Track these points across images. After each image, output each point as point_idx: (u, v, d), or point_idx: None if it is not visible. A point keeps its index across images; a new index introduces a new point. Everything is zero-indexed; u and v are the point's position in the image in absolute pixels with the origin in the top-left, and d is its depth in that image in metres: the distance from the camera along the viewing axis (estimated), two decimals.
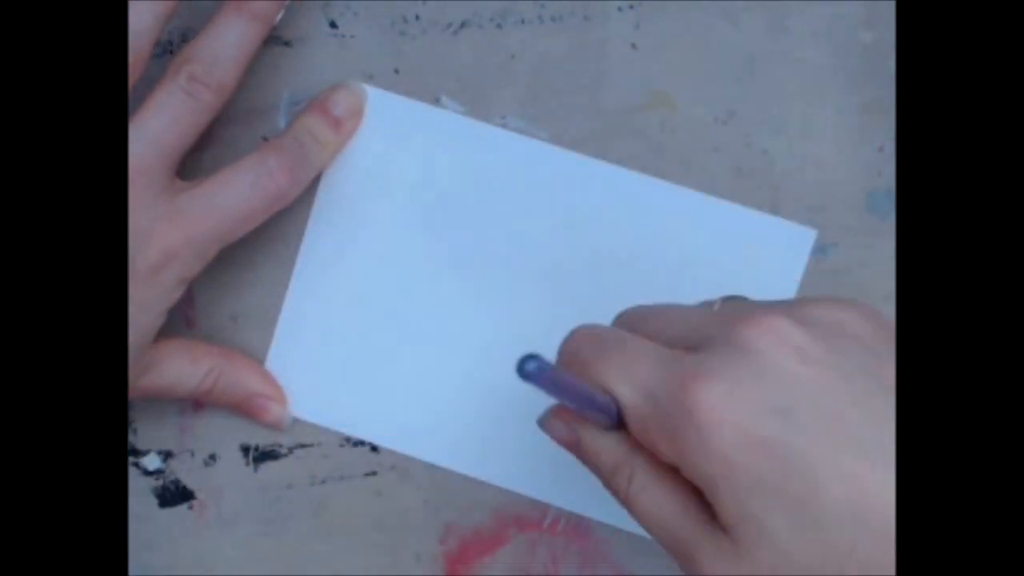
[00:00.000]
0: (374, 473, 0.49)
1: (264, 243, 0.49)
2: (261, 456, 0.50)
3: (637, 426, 0.37)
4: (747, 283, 0.47)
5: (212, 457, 0.50)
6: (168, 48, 0.48)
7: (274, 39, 0.48)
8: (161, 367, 0.47)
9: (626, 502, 0.38)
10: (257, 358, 0.49)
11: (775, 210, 0.47)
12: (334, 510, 0.50)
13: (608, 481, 0.39)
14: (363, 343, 0.49)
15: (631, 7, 0.47)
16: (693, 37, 0.47)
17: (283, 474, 0.50)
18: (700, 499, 0.36)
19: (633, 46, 0.48)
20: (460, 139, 0.48)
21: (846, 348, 0.37)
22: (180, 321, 0.49)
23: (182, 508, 0.50)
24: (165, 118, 0.44)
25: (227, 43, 0.45)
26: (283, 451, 0.50)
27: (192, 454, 0.50)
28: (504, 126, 0.48)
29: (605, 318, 0.41)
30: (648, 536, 0.38)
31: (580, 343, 0.39)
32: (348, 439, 0.49)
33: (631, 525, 0.47)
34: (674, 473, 0.37)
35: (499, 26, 0.48)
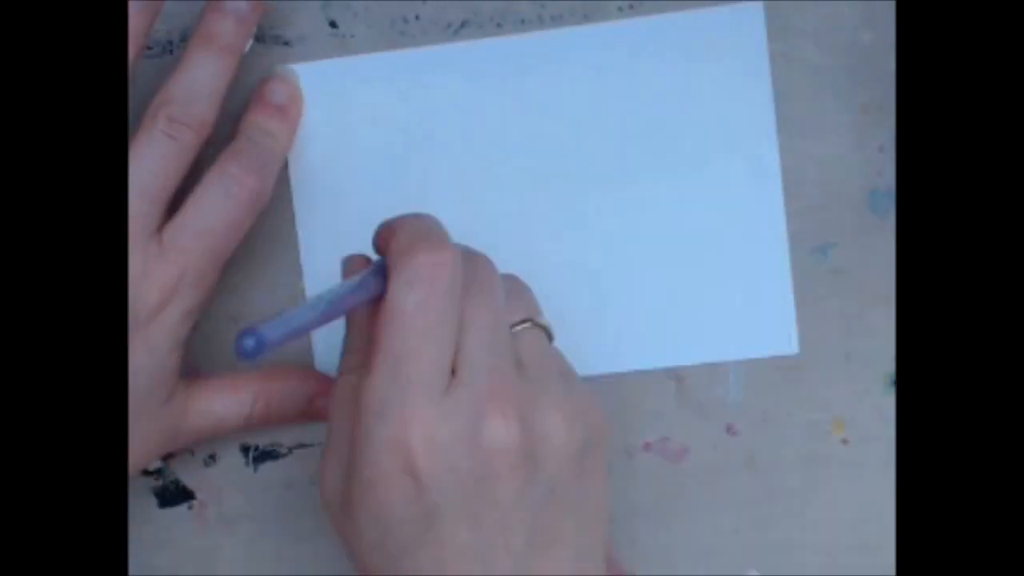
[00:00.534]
0: None
1: (260, 243, 0.48)
2: (261, 456, 0.50)
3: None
4: (721, 80, 0.47)
5: (212, 457, 0.50)
6: (168, 48, 0.48)
7: (274, 39, 0.48)
8: (201, 407, 0.47)
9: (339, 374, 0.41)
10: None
11: None
12: None
13: (344, 345, 0.42)
14: None
15: (631, 7, 0.47)
16: None
17: (283, 474, 0.50)
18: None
19: None
20: (403, 72, 0.48)
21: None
22: None
23: (182, 508, 0.50)
24: (150, 164, 0.44)
25: (200, 80, 0.45)
26: (283, 451, 0.50)
27: (192, 454, 0.50)
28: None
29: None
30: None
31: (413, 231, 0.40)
32: None
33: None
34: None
35: (499, 26, 0.48)
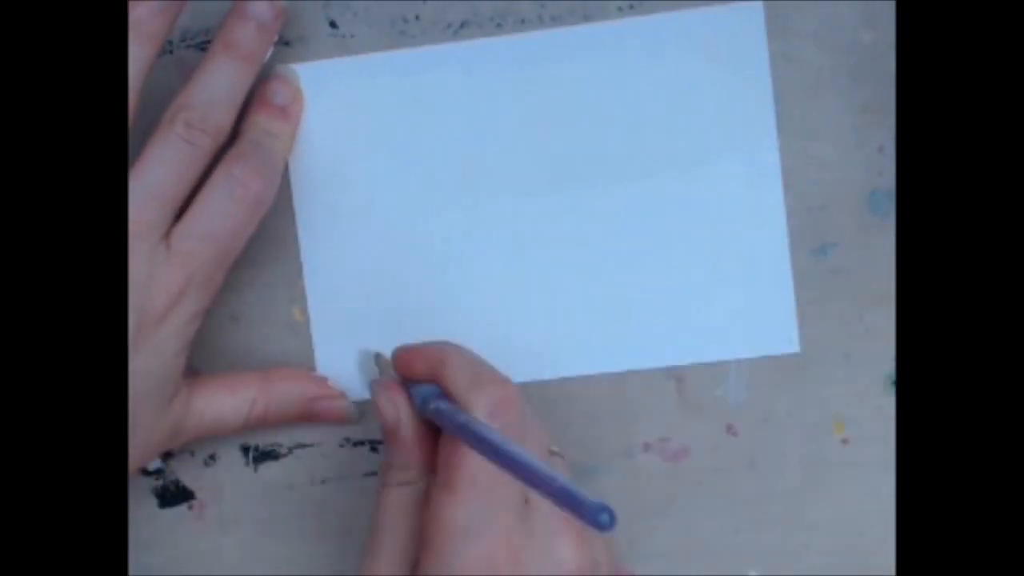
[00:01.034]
0: (374, 473, 0.49)
1: (260, 243, 0.48)
2: (261, 456, 0.50)
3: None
4: (721, 80, 0.47)
5: (212, 457, 0.50)
6: (168, 48, 0.48)
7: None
8: (201, 407, 0.47)
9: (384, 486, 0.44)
10: (260, 358, 0.49)
11: None
12: (334, 510, 0.50)
13: (391, 460, 0.44)
14: (397, 309, 0.48)
15: (631, 7, 0.47)
16: None
17: (283, 474, 0.50)
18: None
19: None
20: (403, 72, 0.48)
21: None
22: None
23: (182, 508, 0.50)
24: (165, 169, 0.44)
25: (219, 87, 0.45)
26: (283, 451, 0.50)
27: (192, 454, 0.50)
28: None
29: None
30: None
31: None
32: (348, 439, 0.49)
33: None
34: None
35: (499, 26, 0.48)
